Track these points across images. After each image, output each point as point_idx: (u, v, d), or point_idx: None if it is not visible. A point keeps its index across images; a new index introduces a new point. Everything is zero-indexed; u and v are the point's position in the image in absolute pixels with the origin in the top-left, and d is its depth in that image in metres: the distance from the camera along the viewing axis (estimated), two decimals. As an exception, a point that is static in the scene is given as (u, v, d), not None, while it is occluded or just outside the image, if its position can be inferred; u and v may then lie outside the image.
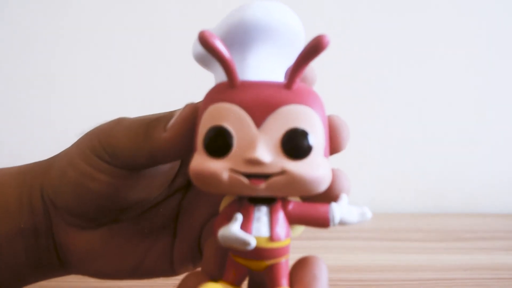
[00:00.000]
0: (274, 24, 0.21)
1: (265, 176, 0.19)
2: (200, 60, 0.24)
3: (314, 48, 0.19)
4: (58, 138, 0.66)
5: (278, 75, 0.22)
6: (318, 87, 0.71)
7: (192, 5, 0.65)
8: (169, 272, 0.28)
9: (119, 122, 0.25)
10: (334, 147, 0.22)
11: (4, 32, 0.65)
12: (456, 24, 0.66)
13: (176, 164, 0.26)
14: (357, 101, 0.66)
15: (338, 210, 0.21)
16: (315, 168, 0.19)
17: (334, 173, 0.21)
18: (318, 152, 0.19)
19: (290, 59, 0.21)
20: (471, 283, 0.36)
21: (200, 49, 0.21)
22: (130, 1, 0.65)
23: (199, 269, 0.23)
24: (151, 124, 0.23)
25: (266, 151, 0.19)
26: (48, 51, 0.65)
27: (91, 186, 0.25)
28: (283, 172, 0.19)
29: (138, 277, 0.28)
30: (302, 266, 0.21)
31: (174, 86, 0.64)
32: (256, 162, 0.19)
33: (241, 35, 0.21)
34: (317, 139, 0.19)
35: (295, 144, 0.19)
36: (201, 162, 0.19)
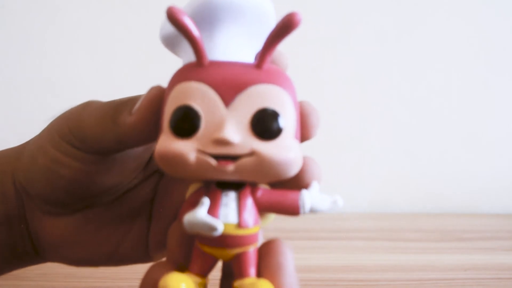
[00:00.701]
0: (241, 2, 0.20)
1: (234, 158, 0.18)
2: (168, 42, 0.23)
3: (285, 26, 0.18)
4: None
5: (247, 56, 0.21)
6: (318, 87, 0.71)
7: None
8: (145, 258, 0.27)
9: (87, 106, 0.24)
10: (304, 134, 0.21)
11: (4, 32, 0.65)
12: (457, 24, 0.66)
13: (149, 147, 0.25)
14: (357, 101, 0.66)
15: (308, 197, 0.20)
16: (286, 150, 0.18)
17: (305, 161, 0.20)
18: (288, 133, 0.19)
19: (259, 39, 0.20)
20: (471, 283, 0.36)
21: (168, 29, 0.21)
22: (130, 2, 0.65)
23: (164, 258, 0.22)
24: (118, 109, 0.23)
25: (235, 131, 0.18)
26: (48, 51, 0.65)
27: (62, 172, 0.24)
28: (252, 153, 0.18)
29: (113, 263, 0.28)
30: (266, 253, 0.20)
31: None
32: (225, 142, 0.18)
33: (208, 14, 0.20)
34: (287, 120, 0.19)
35: (265, 125, 0.18)
36: (167, 143, 0.18)
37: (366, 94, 0.66)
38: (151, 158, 0.26)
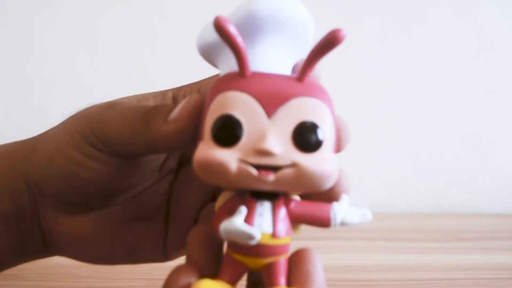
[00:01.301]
0: (283, 16, 0.20)
1: (274, 169, 0.18)
2: (205, 51, 0.23)
3: (329, 42, 0.19)
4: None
5: (285, 67, 0.21)
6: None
7: (193, 7, 0.65)
8: (162, 258, 0.27)
9: (110, 108, 0.24)
10: (337, 148, 0.21)
11: (4, 32, 0.65)
12: (457, 24, 0.66)
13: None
14: (357, 101, 0.66)
15: (339, 210, 0.20)
16: (325, 163, 0.19)
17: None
18: (328, 146, 0.19)
19: (298, 52, 0.21)
20: (471, 283, 0.36)
21: (207, 39, 0.21)
22: (130, 2, 0.65)
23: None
24: (149, 114, 0.22)
25: (277, 142, 0.18)
26: (48, 51, 0.65)
27: (81, 174, 0.24)
28: (293, 165, 0.18)
29: (130, 262, 0.27)
30: (297, 262, 0.20)
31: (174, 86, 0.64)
32: (267, 153, 0.18)
33: (251, 25, 0.20)
34: (327, 134, 0.19)
35: (306, 138, 0.18)
36: (207, 151, 0.18)
37: (366, 94, 0.66)
38: (166, 158, 0.26)
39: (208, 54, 0.23)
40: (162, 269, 0.39)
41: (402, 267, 0.40)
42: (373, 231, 0.53)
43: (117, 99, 0.25)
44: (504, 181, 0.67)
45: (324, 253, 0.43)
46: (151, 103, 0.25)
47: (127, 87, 0.66)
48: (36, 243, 0.26)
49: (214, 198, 0.25)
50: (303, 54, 0.20)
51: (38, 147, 0.26)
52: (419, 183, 0.67)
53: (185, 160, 0.27)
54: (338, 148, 0.21)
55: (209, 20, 0.19)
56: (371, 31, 0.66)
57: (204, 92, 0.22)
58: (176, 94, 0.26)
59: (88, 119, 0.24)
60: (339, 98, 0.73)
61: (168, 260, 0.27)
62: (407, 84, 0.67)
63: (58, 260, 0.38)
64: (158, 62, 0.66)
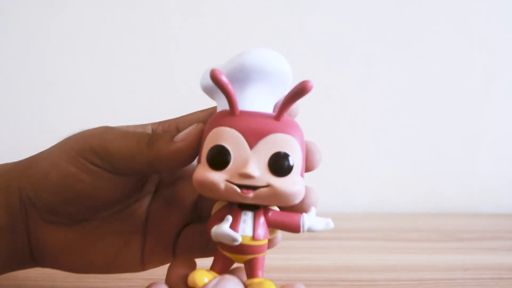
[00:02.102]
0: (268, 68, 0.26)
1: (254, 188, 0.24)
2: (206, 91, 0.28)
3: (299, 91, 0.24)
4: (56, 139, 0.66)
5: (268, 108, 0.26)
6: (319, 88, 0.71)
7: (192, 8, 0.65)
8: (139, 268, 0.31)
9: (110, 130, 0.27)
10: (309, 166, 0.26)
11: (4, 32, 0.65)
12: (457, 23, 0.66)
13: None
14: (357, 101, 0.66)
15: (307, 219, 0.25)
16: (293, 185, 0.24)
17: (306, 190, 0.25)
18: (296, 172, 0.24)
19: (279, 95, 0.27)
20: (471, 283, 0.36)
21: (207, 82, 0.27)
22: (130, 3, 0.65)
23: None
24: (156, 136, 0.26)
25: (256, 168, 0.24)
26: (47, 51, 0.65)
27: (74, 187, 0.27)
28: (268, 186, 0.24)
29: (109, 272, 0.31)
30: None
31: (173, 87, 0.64)
32: (248, 176, 0.24)
33: (242, 74, 0.26)
34: (296, 162, 0.24)
35: (279, 164, 0.24)
36: (204, 173, 0.24)
37: (366, 94, 0.66)
38: (146, 181, 0.30)
39: (208, 92, 0.28)
40: (163, 269, 0.38)
41: (402, 267, 0.40)
42: (373, 231, 0.53)
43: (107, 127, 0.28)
44: (504, 181, 0.68)
45: (324, 253, 0.43)
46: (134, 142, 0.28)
47: (126, 87, 0.66)
48: (24, 255, 0.29)
49: (192, 220, 0.31)
50: (283, 95, 0.26)
51: (33, 164, 0.29)
52: (419, 183, 0.67)
53: (163, 184, 0.31)
54: (311, 167, 0.27)
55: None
56: (371, 32, 0.66)
57: (203, 122, 0.27)
58: (155, 128, 0.30)
59: (87, 138, 0.27)
60: (339, 98, 0.73)
61: (143, 270, 0.31)
62: (407, 84, 0.67)
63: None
64: (157, 63, 0.66)
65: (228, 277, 0.24)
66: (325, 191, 0.68)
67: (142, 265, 0.31)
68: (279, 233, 0.27)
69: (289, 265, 0.39)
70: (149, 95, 0.65)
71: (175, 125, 0.29)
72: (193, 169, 0.26)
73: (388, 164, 0.67)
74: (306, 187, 0.25)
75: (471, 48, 0.66)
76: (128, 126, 0.29)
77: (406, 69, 0.67)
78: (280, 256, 0.42)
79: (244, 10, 0.65)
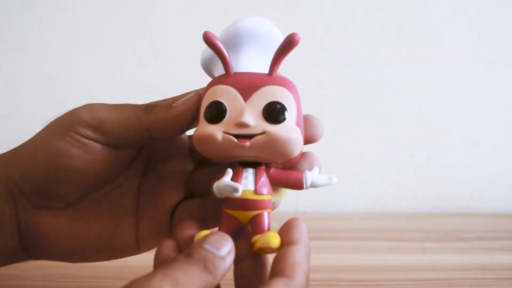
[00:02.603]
0: (260, 32, 0.27)
1: (250, 137, 0.24)
2: (206, 65, 0.29)
3: (288, 44, 0.25)
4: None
5: (263, 69, 0.27)
6: (319, 88, 0.71)
7: (192, 7, 0.65)
8: (133, 251, 0.30)
9: (98, 104, 0.27)
10: (311, 138, 0.27)
11: (4, 32, 0.65)
12: (457, 24, 0.66)
13: (134, 148, 0.29)
14: (357, 101, 0.66)
15: (310, 175, 0.26)
16: (289, 131, 0.25)
17: (309, 153, 0.27)
18: (291, 120, 0.25)
19: (271, 57, 0.27)
20: (471, 283, 0.36)
21: (206, 55, 0.28)
22: (130, 2, 0.65)
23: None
24: (152, 104, 0.27)
25: (251, 117, 0.24)
26: (48, 51, 0.65)
27: (66, 163, 0.26)
28: (263, 132, 0.24)
29: (104, 257, 0.30)
30: (283, 253, 0.24)
31: (172, 86, 0.64)
32: (243, 125, 0.24)
33: (235, 39, 0.27)
34: (290, 110, 0.25)
35: (273, 112, 0.25)
36: (202, 128, 0.25)
37: (366, 94, 0.66)
38: (135, 159, 0.30)
39: (206, 66, 0.29)
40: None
41: (402, 267, 0.40)
42: (373, 231, 0.53)
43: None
44: (504, 181, 0.68)
45: (324, 253, 0.43)
46: (130, 109, 0.28)
47: (126, 87, 0.66)
48: (14, 247, 0.28)
49: (186, 197, 0.30)
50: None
51: (21, 149, 0.28)
52: (419, 183, 0.67)
53: (153, 162, 0.30)
54: (314, 138, 0.27)
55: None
56: (372, 31, 0.66)
57: (199, 93, 0.27)
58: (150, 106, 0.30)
59: (76, 112, 0.27)
60: (339, 98, 0.73)
61: (139, 253, 0.30)
62: (407, 84, 0.67)
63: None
64: (157, 63, 0.66)
65: (221, 233, 0.24)
66: (325, 191, 0.68)
67: (137, 247, 0.30)
68: (284, 192, 0.27)
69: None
70: (152, 94, 0.65)
71: (171, 101, 0.29)
72: (184, 144, 0.27)
73: (388, 164, 0.67)
74: (309, 152, 0.27)
75: (472, 49, 0.66)
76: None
77: (406, 70, 0.67)
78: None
79: (244, 10, 0.65)
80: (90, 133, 0.26)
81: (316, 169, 0.27)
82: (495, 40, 0.66)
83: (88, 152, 0.27)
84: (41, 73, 0.65)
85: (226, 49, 0.25)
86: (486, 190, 0.67)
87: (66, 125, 0.26)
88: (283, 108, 0.25)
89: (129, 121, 0.26)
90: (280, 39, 0.26)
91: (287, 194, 0.27)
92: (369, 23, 0.66)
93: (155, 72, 0.66)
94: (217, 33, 0.27)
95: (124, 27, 0.65)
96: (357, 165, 0.67)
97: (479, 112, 0.67)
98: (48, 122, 0.28)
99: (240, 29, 0.26)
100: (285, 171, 0.26)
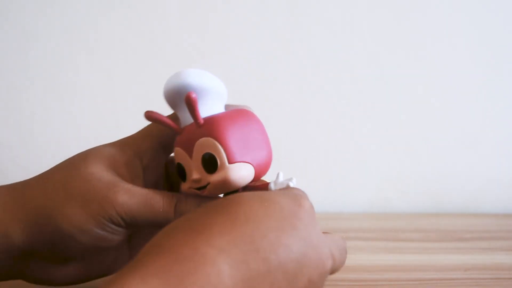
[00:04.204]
0: (206, 86, 0.29)
1: (205, 187, 0.29)
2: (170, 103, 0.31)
3: (187, 103, 0.28)
4: (57, 138, 0.66)
5: (217, 109, 0.30)
6: (319, 88, 0.70)
7: (192, 8, 0.65)
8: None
9: (123, 191, 0.29)
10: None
11: (5, 33, 0.65)
12: (457, 23, 0.66)
13: None
14: (357, 101, 0.66)
15: (273, 186, 0.29)
16: (225, 174, 0.28)
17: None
18: (223, 162, 0.28)
19: (221, 99, 0.31)
20: (471, 283, 0.36)
21: (167, 98, 0.31)
22: (130, 2, 0.65)
23: None
24: (180, 206, 0.30)
25: (197, 174, 0.29)
26: (49, 52, 0.65)
27: (83, 239, 0.28)
28: (209, 183, 0.28)
29: (107, 275, 0.32)
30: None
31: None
32: (196, 181, 0.29)
33: (179, 95, 0.29)
34: (218, 154, 0.28)
35: (207, 164, 0.28)
36: (181, 185, 0.30)
37: (366, 94, 0.66)
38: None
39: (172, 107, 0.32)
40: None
41: (402, 267, 0.40)
42: (373, 231, 0.53)
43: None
44: (504, 181, 0.67)
45: (324, 253, 0.43)
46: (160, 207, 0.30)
47: (127, 87, 0.66)
48: (11, 275, 0.30)
49: None
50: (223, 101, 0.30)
51: (47, 221, 0.29)
52: (419, 183, 0.67)
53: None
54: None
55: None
56: (371, 30, 0.66)
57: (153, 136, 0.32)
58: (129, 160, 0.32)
59: (109, 201, 0.28)
60: (339, 98, 0.73)
61: None
62: (407, 84, 0.67)
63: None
64: (157, 63, 0.66)
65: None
66: (325, 191, 0.68)
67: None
68: None
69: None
70: (153, 94, 0.65)
71: (159, 144, 0.32)
72: None
73: (388, 164, 0.67)
74: None
75: (472, 48, 0.66)
76: (112, 144, 0.31)
77: (406, 70, 0.66)
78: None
79: (245, 11, 0.65)
80: (124, 225, 0.29)
81: (280, 176, 0.30)
82: (495, 40, 0.66)
83: (116, 235, 0.29)
84: (42, 73, 0.65)
85: (172, 106, 0.30)
86: (486, 190, 0.67)
87: (105, 217, 0.28)
88: (212, 158, 0.28)
89: (157, 219, 0.29)
90: (221, 87, 0.30)
91: None
92: (369, 22, 0.66)
93: (156, 73, 0.65)
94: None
95: (125, 28, 0.65)
96: (357, 165, 0.67)
97: (479, 112, 0.67)
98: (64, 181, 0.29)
99: (180, 85, 0.29)
100: (255, 186, 0.30)
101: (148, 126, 0.32)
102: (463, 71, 0.67)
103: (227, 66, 0.65)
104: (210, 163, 0.28)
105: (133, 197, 0.28)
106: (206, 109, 0.29)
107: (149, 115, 0.29)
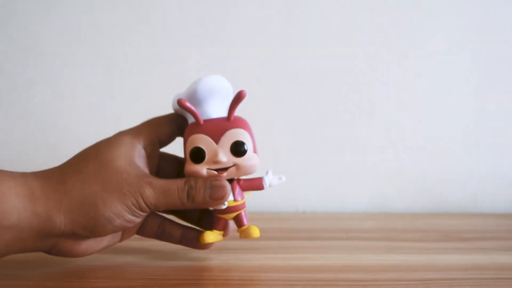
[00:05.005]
0: (216, 88, 0.36)
1: (226, 169, 0.36)
2: (177, 110, 0.38)
3: (237, 98, 0.35)
4: (57, 138, 0.66)
5: (222, 113, 0.37)
6: (319, 87, 0.71)
7: (192, 8, 0.65)
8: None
9: (152, 183, 0.35)
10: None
11: (5, 32, 0.65)
12: (456, 24, 0.66)
13: None
14: (357, 101, 0.66)
15: (267, 179, 0.37)
16: (250, 159, 0.36)
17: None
18: (250, 150, 0.36)
19: (227, 103, 0.37)
20: (471, 283, 0.36)
21: (176, 106, 0.37)
22: (131, 3, 0.65)
23: None
24: (192, 192, 0.35)
25: (223, 155, 0.35)
26: (50, 52, 0.65)
27: (116, 223, 0.34)
28: (234, 165, 0.36)
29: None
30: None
31: (173, 87, 0.64)
32: (219, 162, 0.35)
33: (198, 95, 0.36)
34: (248, 143, 0.36)
35: (238, 149, 0.35)
36: (190, 167, 0.36)
37: (365, 94, 0.67)
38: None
39: (179, 111, 0.38)
40: (163, 269, 0.39)
41: (402, 267, 0.40)
42: (373, 231, 0.53)
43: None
44: (504, 181, 0.68)
45: (324, 253, 0.43)
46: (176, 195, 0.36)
47: (128, 87, 0.66)
48: (39, 248, 0.35)
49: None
50: (229, 102, 0.36)
51: (75, 192, 0.34)
52: (419, 183, 0.68)
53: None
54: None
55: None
56: (370, 30, 0.66)
57: (174, 122, 0.39)
58: (145, 146, 0.37)
59: (143, 190, 0.34)
60: (339, 98, 0.73)
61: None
62: (407, 84, 0.67)
63: (58, 260, 0.38)
64: (157, 63, 0.66)
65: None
66: (325, 191, 0.69)
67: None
68: (251, 193, 0.38)
69: (289, 265, 0.39)
70: (153, 94, 0.65)
71: (157, 138, 0.38)
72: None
73: (388, 164, 0.67)
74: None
75: (471, 48, 0.66)
76: (122, 132, 0.37)
77: (406, 70, 0.67)
78: (280, 256, 0.42)
79: (245, 11, 0.65)
80: (146, 210, 0.35)
81: (270, 173, 0.38)
82: (495, 40, 0.66)
83: (135, 217, 0.35)
84: (44, 73, 0.65)
85: (194, 106, 0.36)
86: (486, 190, 0.67)
87: (137, 206, 0.34)
88: (243, 144, 0.35)
89: (175, 205, 0.35)
90: (230, 90, 0.37)
91: (254, 193, 0.38)
92: (368, 22, 0.66)
93: (157, 73, 0.66)
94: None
95: (126, 28, 0.65)
96: (357, 165, 0.67)
97: (479, 112, 0.67)
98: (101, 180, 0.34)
99: (201, 88, 0.36)
100: (249, 179, 0.37)
101: (150, 120, 0.38)
102: (463, 71, 0.67)
103: (227, 66, 0.65)
104: (240, 149, 0.35)
105: (155, 189, 0.34)
106: (218, 103, 0.37)
107: (182, 103, 0.34)
